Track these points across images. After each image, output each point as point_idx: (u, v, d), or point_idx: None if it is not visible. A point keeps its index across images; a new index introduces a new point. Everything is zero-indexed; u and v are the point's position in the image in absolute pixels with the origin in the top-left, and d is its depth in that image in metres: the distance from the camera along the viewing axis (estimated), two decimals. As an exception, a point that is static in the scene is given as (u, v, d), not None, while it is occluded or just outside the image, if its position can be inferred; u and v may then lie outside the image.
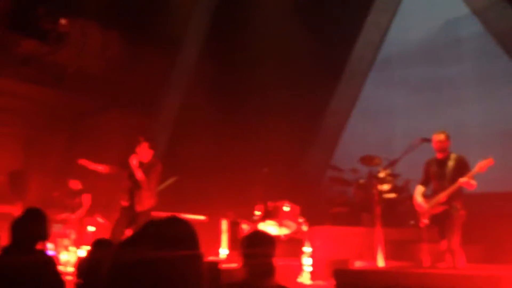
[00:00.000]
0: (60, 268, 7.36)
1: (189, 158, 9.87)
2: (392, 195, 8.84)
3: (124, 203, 6.75)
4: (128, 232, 6.32)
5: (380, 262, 6.40)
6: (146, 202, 6.66)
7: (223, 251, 7.70)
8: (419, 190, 6.43)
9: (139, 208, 6.63)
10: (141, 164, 6.69)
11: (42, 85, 11.06)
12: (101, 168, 6.87)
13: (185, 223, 1.78)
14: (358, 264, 7.25)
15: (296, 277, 6.55)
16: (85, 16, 10.41)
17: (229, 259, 7.39)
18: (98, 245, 3.97)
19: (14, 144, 11.04)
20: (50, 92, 11.18)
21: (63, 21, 10.03)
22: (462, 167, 6.05)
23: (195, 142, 10.04)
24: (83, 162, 6.78)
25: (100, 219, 9.13)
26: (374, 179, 7.44)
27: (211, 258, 7.09)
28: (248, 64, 10.43)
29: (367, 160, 9.02)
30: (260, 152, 9.56)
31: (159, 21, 10.47)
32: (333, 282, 4.93)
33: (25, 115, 11.04)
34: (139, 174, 6.60)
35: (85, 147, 10.05)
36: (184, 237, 1.72)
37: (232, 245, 7.65)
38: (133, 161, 6.62)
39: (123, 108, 11.10)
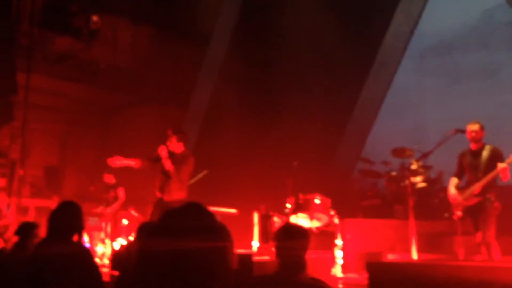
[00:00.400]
0: (96, 260, 7.54)
1: (220, 151, 9.93)
2: (424, 187, 8.72)
3: (158, 194, 6.86)
4: None
5: (414, 255, 6.33)
6: (175, 193, 6.72)
7: (255, 244, 7.74)
8: (453, 182, 6.33)
9: (167, 198, 6.70)
10: (171, 155, 6.74)
11: (76, 82, 11.29)
12: (133, 163, 6.97)
13: (210, 214, 1.78)
14: (390, 257, 7.19)
15: (328, 270, 6.54)
16: (116, 13, 10.55)
17: (260, 252, 7.43)
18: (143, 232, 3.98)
19: (49, 140, 11.32)
20: (83, 88, 11.41)
21: (95, 18, 10.19)
22: (497, 158, 5.93)
23: (225, 135, 10.10)
24: (114, 159, 6.86)
25: (134, 213, 9.29)
26: (406, 171, 7.36)
27: (243, 251, 7.13)
28: (277, 56, 10.41)
29: (398, 152, 8.92)
30: (291, 145, 9.54)
31: (189, 15, 10.54)
32: (365, 275, 4.90)
33: (59, 111, 11.30)
34: (168, 164, 6.66)
35: (118, 142, 10.26)
36: (209, 227, 1.73)
37: (263, 238, 7.67)
38: (163, 152, 6.69)
39: (154, 102, 11.23)
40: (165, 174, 6.75)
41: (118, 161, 6.85)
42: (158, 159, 6.77)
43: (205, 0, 10.82)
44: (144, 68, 11.22)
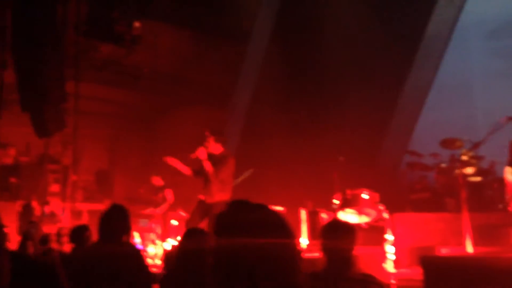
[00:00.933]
0: (148, 261, 7.71)
1: (264, 149, 9.94)
2: (477, 179, 8.45)
3: (200, 196, 6.93)
4: (203, 225, 6.45)
5: (469, 248, 6.15)
6: (216, 195, 6.74)
7: (303, 241, 7.70)
8: (508, 171, 6.10)
9: (209, 200, 6.75)
10: (211, 157, 6.78)
11: (120, 87, 11.56)
12: (185, 170, 7.04)
13: (276, 211, 1.78)
14: (444, 251, 7.01)
15: (380, 265, 6.43)
16: (156, 17, 10.71)
17: (309, 248, 7.39)
18: (189, 236, 4.05)
19: (98, 145, 11.64)
20: (128, 93, 11.67)
21: (136, 24, 10.40)
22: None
23: (268, 134, 10.09)
24: (170, 161, 6.98)
25: (182, 213, 9.43)
26: (457, 162, 7.14)
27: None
28: (317, 52, 10.31)
29: (448, 143, 8.67)
30: (335, 140, 9.44)
31: (228, 16, 10.59)
32: (419, 269, 4.80)
33: (107, 116, 11.59)
34: (207, 166, 6.71)
35: (164, 144, 10.42)
36: (278, 224, 1.73)
37: (311, 234, 7.63)
38: (201, 154, 6.73)
39: (197, 104, 11.36)
40: (206, 176, 6.80)
41: (174, 163, 6.96)
42: (201, 166, 6.83)
43: (243, 0, 10.85)
44: (186, 71, 11.36)
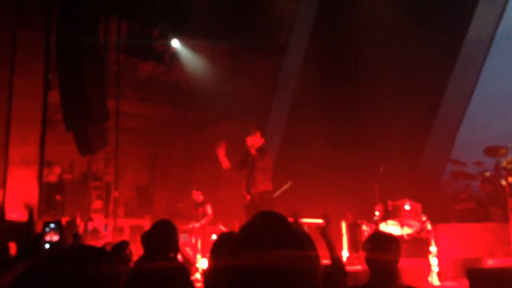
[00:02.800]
0: (193, 276, 7.76)
1: (303, 161, 9.91)
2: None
3: (246, 196, 7.05)
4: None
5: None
6: (260, 185, 6.94)
7: (344, 254, 7.60)
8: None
9: (254, 190, 6.89)
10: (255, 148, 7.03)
11: (159, 104, 11.78)
12: (224, 162, 7.21)
13: (292, 224, 1.78)
14: (491, 263, 6.78)
15: (425, 278, 6.28)
16: (193, 33, 10.88)
17: (350, 261, 7.28)
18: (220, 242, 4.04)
19: (138, 161, 11.86)
20: (167, 109, 11.87)
21: (174, 41, 10.60)
22: None
23: (307, 145, 10.06)
24: (220, 149, 7.10)
25: (222, 227, 9.46)
26: (502, 170, 6.92)
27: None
28: (354, 62, 10.25)
29: (491, 151, 8.43)
30: (375, 150, 9.32)
31: (264, 28, 10.65)
32: (465, 282, 4.65)
33: (146, 133, 11.81)
34: (255, 155, 6.90)
35: (203, 158, 10.54)
36: (297, 237, 1.72)
37: (352, 247, 7.52)
38: (251, 142, 6.98)
39: (235, 117, 11.45)
40: (250, 166, 6.95)
41: (220, 152, 7.15)
42: (244, 159, 6.96)
43: (279, 11, 10.90)
44: (223, 85, 11.49)
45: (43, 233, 3.87)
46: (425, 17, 9.60)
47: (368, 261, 3.38)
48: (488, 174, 8.79)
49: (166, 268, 3.81)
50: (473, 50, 10.06)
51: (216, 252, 3.83)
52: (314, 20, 11.07)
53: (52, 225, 4.32)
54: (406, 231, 6.92)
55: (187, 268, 4.10)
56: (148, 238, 4.00)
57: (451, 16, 9.64)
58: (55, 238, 4.17)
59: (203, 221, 9.68)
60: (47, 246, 4.27)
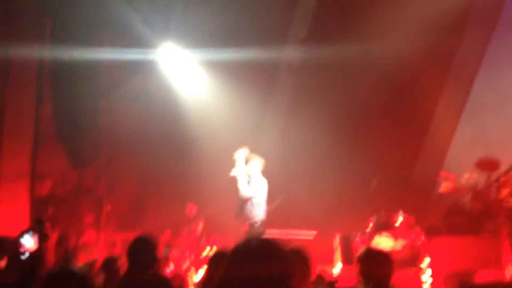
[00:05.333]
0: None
1: (297, 173, 9.92)
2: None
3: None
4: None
5: (508, 273, 5.95)
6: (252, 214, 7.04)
7: (338, 266, 7.59)
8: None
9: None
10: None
11: (151, 116, 11.76)
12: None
13: (275, 243, 1.95)
14: (482, 276, 6.79)
15: (417, 290, 6.29)
16: (187, 44, 10.87)
17: (343, 274, 7.28)
18: (215, 260, 4.12)
19: (131, 174, 11.80)
20: (160, 122, 11.84)
21: (168, 52, 10.63)
22: None
23: (302, 157, 10.08)
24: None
25: (216, 240, 9.44)
26: (494, 184, 6.97)
27: (326, 274, 7.02)
28: (345, 72, 10.30)
29: (483, 164, 8.48)
30: (368, 163, 9.36)
31: (256, 42, 10.69)
32: (458, 294, 4.66)
33: (139, 146, 11.76)
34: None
35: (198, 171, 10.55)
36: (275, 256, 1.89)
37: (345, 259, 7.52)
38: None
39: (229, 130, 11.40)
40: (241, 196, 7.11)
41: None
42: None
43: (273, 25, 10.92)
44: (217, 97, 11.47)
45: (19, 243, 3.87)
46: (421, 31, 9.68)
47: (361, 278, 3.46)
48: (480, 187, 8.83)
49: (147, 282, 3.94)
50: (465, 62, 10.17)
51: (213, 266, 3.92)
52: (306, 32, 11.11)
53: (27, 234, 4.30)
54: (399, 243, 6.94)
55: (169, 280, 4.24)
56: (128, 254, 4.19)
57: (444, 27, 9.71)
58: (33, 247, 4.18)
59: (195, 235, 9.66)
60: (26, 255, 4.26)
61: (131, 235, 10.00)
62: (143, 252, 4.13)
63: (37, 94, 9.87)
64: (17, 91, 9.52)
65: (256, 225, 7.07)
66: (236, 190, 7.15)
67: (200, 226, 9.79)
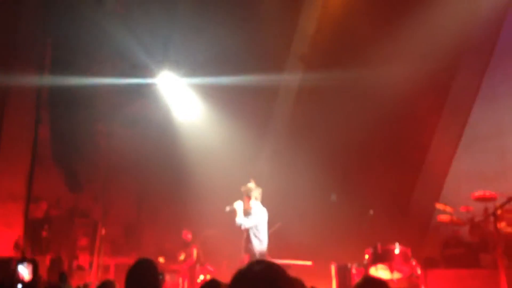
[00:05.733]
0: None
1: (294, 202, 9.89)
2: (512, 232, 8.16)
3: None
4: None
5: (507, 307, 5.88)
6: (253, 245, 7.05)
7: (333, 297, 7.49)
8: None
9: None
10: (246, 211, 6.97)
11: (147, 140, 11.77)
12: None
13: (279, 268, 1.96)
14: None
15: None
16: (184, 71, 10.95)
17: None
18: None
19: (127, 198, 11.74)
20: (155, 147, 11.85)
21: (165, 79, 10.68)
22: None
23: (299, 187, 10.05)
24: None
25: (210, 268, 9.34)
26: (492, 216, 6.93)
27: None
28: (347, 101, 10.35)
29: (480, 196, 8.46)
30: (365, 193, 9.33)
31: (256, 69, 10.77)
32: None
33: (135, 170, 11.73)
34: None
35: (195, 197, 10.51)
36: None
37: (341, 290, 7.43)
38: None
39: (227, 158, 11.40)
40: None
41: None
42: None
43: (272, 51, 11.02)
44: (213, 123, 11.50)
45: (15, 272, 3.80)
46: (415, 65, 9.77)
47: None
48: (477, 219, 8.79)
49: None
50: (461, 95, 10.25)
51: None
52: (304, 59, 11.22)
53: (24, 264, 4.21)
54: (396, 275, 6.86)
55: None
56: (129, 277, 3.97)
57: (439, 59, 9.81)
58: (27, 277, 4.10)
59: (189, 262, 9.57)
60: (19, 286, 4.16)
61: (125, 260, 9.96)
62: (145, 276, 3.97)
63: (35, 117, 9.89)
64: (16, 113, 9.54)
65: (257, 256, 6.98)
66: (235, 222, 7.08)
67: (195, 252, 9.70)
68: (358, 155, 10.34)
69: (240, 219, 7.04)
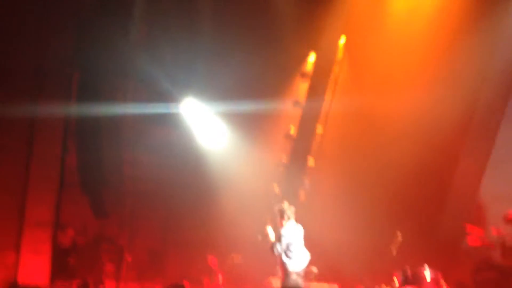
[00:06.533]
0: None
1: (319, 224, 9.79)
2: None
3: None
4: None
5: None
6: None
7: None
8: None
9: None
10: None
11: (172, 168, 11.87)
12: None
13: None
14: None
15: None
16: (208, 97, 11.06)
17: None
18: None
19: (152, 224, 11.79)
20: (178, 173, 11.94)
21: (189, 105, 10.81)
22: None
23: (323, 207, 9.98)
24: None
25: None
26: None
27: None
28: (372, 122, 10.32)
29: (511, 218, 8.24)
30: (393, 215, 9.19)
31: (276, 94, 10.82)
32: None
33: (160, 197, 11.81)
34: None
35: (218, 222, 10.50)
36: None
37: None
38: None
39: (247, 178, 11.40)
40: None
41: None
42: None
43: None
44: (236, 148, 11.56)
45: None
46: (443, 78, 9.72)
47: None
48: (510, 242, 8.56)
49: None
50: (488, 114, 10.09)
51: None
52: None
53: None
54: (426, 300, 6.69)
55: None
56: None
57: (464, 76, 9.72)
58: None
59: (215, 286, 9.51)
60: None
61: (150, 285, 9.95)
62: None
63: (62, 145, 10.07)
64: (44, 143, 9.73)
65: (293, 276, 6.87)
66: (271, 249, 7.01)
67: (220, 278, 9.63)
68: (385, 176, 10.22)
69: (277, 246, 6.93)
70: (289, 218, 7.09)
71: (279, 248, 6.85)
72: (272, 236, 7.00)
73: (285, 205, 7.21)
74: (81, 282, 8.84)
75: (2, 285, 8.35)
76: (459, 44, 9.47)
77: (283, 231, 6.99)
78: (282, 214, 7.08)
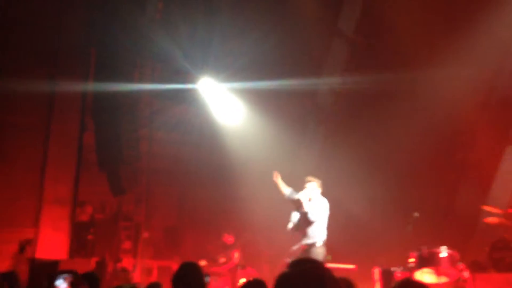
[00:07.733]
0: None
1: (333, 205, 9.81)
2: None
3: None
4: None
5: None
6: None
7: (377, 302, 7.35)
8: None
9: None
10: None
11: (187, 145, 11.90)
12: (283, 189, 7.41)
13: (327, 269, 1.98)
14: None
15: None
16: (225, 76, 11.03)
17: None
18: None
19: (167, 202, 11.90)
20: (194, 150, 11.97)
21: (206, 83, 10.81)
22: None
23: (338, 189, 9.94)
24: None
25: (251, 271, 9.33)
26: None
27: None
28: (389, 102, 10.19)
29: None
30: (409, 196, 9.13)
31: (295, 72, 10.73)
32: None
33: (175, 174, 11.88)
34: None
35: (231, 200, 10.51)
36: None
37: (385, 295, 7.27)
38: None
39: (262, 159, 11.40)
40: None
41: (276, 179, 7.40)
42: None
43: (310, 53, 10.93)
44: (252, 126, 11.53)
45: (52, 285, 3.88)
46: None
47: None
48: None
49: None
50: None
51: None
52: (346, 60, 11.11)
53: (61, 279, 4.26)
54: (443, 279, 6.69)
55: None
56: (175, 280, 4.02)
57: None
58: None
59: (229, 265, 9.58)
60: None
61: (167, 263, 10.09)
62: (191, 279, 4.02)
63: (80, 124, 10.14)
64: (62, 121, 9.81)
65: (317, 244, 7.00)
66: (303, 212, 7.10)
67: (236, 255, 9.70)
68: (401, 157, 10.13)
69: (310, 211, 7.00)
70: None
71: (313, 217, 6.94)
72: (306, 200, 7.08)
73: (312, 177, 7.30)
74: (100, 259, 8.98)
75: (22, 261, 8.53)
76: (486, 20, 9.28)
77: (315, 202, 7.08)
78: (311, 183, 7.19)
